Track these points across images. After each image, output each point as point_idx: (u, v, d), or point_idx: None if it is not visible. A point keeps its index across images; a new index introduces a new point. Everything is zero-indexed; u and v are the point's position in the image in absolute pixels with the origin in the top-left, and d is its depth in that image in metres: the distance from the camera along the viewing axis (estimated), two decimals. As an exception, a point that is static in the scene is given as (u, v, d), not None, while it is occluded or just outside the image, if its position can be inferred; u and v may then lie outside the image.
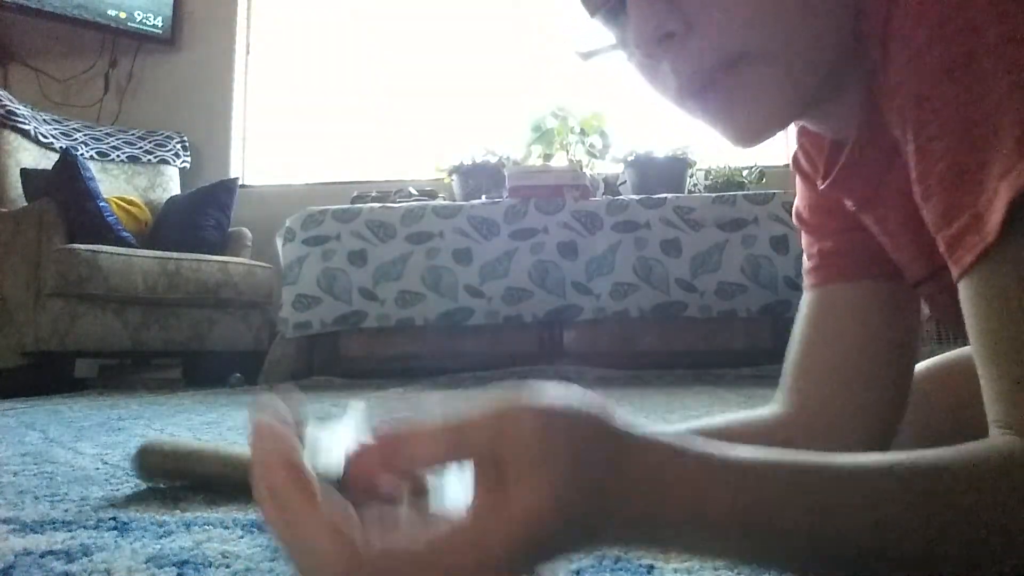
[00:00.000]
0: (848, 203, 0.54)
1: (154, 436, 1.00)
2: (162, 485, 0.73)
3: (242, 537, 0.52)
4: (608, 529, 0.29)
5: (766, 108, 0.43)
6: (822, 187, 0.53)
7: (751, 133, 0.44)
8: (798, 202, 0.62)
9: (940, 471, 0.32)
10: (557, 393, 0.30)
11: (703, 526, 0.30)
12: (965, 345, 0.41)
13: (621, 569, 0.44)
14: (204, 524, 0.57)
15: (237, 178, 3.35)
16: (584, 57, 0.47)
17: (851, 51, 0.43)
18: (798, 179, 0.61)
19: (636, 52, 0.43)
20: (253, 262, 2.98)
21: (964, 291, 0.35)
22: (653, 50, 0.42)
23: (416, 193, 3.02)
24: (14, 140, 2.90)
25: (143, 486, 0.75)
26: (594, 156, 3.11)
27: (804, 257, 0.61)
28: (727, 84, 0.42)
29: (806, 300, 0.59)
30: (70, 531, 0.56)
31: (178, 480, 0.70)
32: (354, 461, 0.30)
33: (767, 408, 0.59)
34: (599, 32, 0.45)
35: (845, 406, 0.55)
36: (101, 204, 2.69)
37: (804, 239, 0.61)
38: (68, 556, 0.48)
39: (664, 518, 0.29)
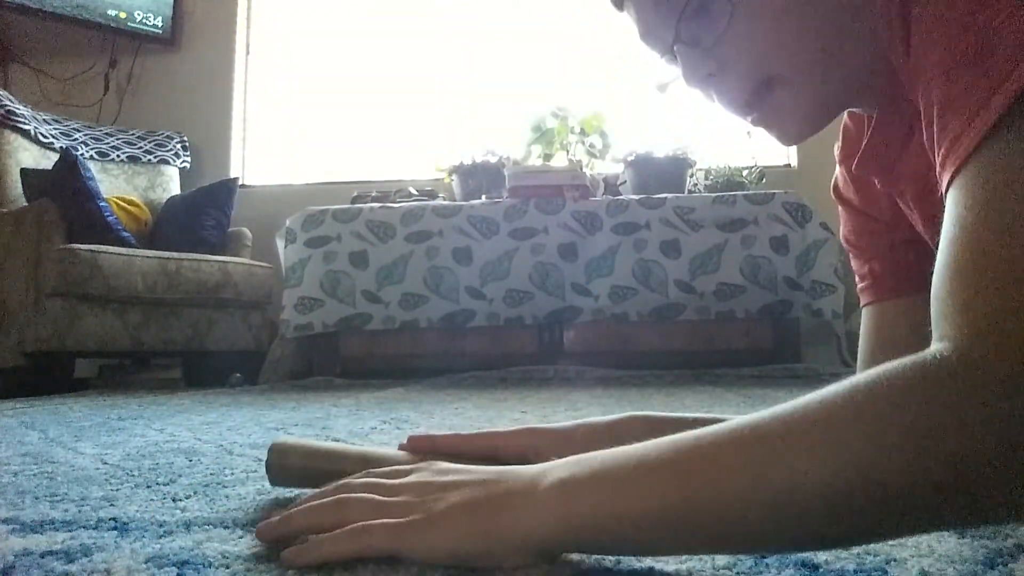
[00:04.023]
0: (877, 181, 0.59)
1: (281, 436, 0.83)
2: (293, 491, 0.65)
3: (242, 537, 0.52)
4: (508, 554, 0.39)
5: (800, 117, 0.53)
6: (854, 167, 0.59)
7: (796, 136, 0.54)
8: (844, 229, 0.69)
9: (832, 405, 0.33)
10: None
11: (578, 534, 0.37)
12: None
13: (621, 570, 0.44)
14: (204, 524, 0.57)
15: (237, 178, 3.35)
16: (660, 88, 0.59)
17: (876, 34, 0.47)
18: (841, 208, 0.69)
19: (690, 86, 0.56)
20: (253, 262, 2.98)
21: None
22: (699, 86, 0.54)
23: (416, 193, 3.02)
24: (14, 140, 2.90)
25: (143, 486, 0.75)
26: (594, 156, 3.11)
27: (856, 277, 0.69)
28: (762, 107, 0.53)
29: (866, 314, 0.67)
30: (70, 531, 0.56)
31: (312, 483, 0.59)
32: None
33: None
34: (668, 68, 0.57)
35: None
36: (101, 204, 2.69)
37: (854, 262, 0.69)
38: (68, 556, 0.48)
39: (544, 536, 0.38)
